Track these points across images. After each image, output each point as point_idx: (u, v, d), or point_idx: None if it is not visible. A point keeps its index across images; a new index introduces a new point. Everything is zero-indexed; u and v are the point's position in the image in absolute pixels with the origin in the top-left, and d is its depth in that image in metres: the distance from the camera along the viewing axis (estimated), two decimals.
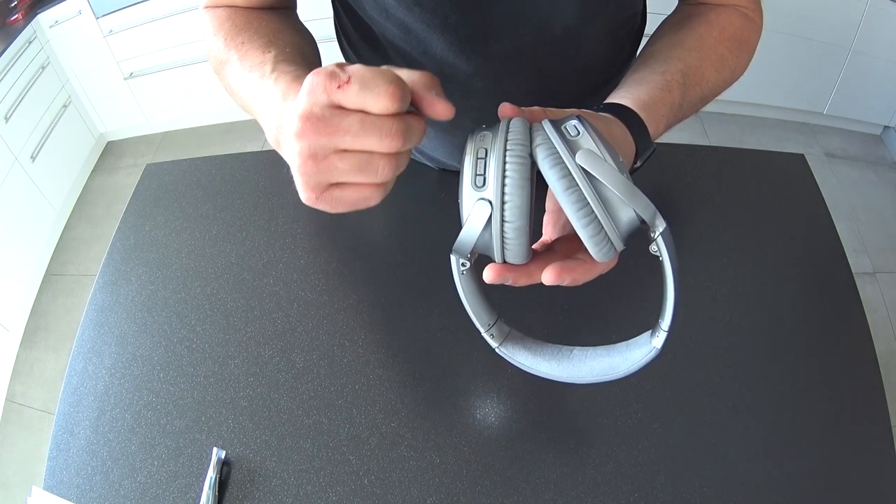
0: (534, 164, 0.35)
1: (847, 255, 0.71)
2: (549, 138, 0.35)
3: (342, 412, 0.61)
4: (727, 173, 0.80)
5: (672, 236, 0.36)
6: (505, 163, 0.35)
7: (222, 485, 0.56)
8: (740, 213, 0.76)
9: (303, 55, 0.50)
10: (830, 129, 2.26)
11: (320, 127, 0.34)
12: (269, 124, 0.42)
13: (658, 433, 0.58)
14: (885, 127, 2.22)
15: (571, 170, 0.34)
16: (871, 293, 1.79)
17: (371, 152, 0.35)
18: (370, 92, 0.33)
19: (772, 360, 0.63)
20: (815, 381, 0.61)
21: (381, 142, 0.35)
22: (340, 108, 0.34)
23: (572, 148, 0.35)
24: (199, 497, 0.55)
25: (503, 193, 0.35)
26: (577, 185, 0.34)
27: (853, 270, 0.70)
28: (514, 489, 0.56)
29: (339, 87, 0.34)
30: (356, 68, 0.34)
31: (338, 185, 0.37)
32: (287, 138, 0.36)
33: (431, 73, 0.37)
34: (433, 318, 0.67)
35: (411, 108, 0.36)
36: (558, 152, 0.35)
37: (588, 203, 0.34)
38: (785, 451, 0.57)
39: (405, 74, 0.36)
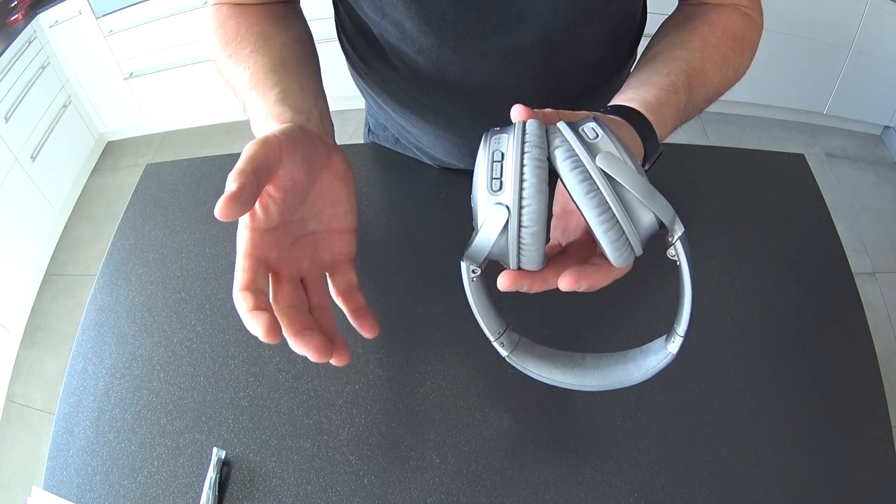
0: (550, 165, 0.34)
1: (847, 255, 0.71)
2: (568, 140, 0.34)
3: (342, 412, 0.61)
4: (727, 173, 0.80)
5: (688, 240, 0.35)
6: (523, 165, 0.33)
7: (222, 485, 0.56)
8: (740, 213, 0.76)
9: (282, 65, 0.50)
10: (830, 129, 2.26)
11: None
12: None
13: (658, 433, 0.58)
14: (885, 127, 2.22)
15: (592, 173, 0.33)
16: (871, 293, 1.79)
17: None
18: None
19: (772, 360, 0.63)
20: (815, 380, 0.61)
21: None
22: None
23: (592, 151, 0.34)
24: (199, 497, 0.55)
25: (521, 198, 0.33)
26: (599, 188, 0.33)
27: (853, 270, 0.70)
28: (514, 489, 0.56)
29: None
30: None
31: None
32: None
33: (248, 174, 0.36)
34: (433, 317, 0.67)
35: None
36: (578, 155, 0.34)
37: (609, 207, 0.33)
38: (785, 451, 0.57)
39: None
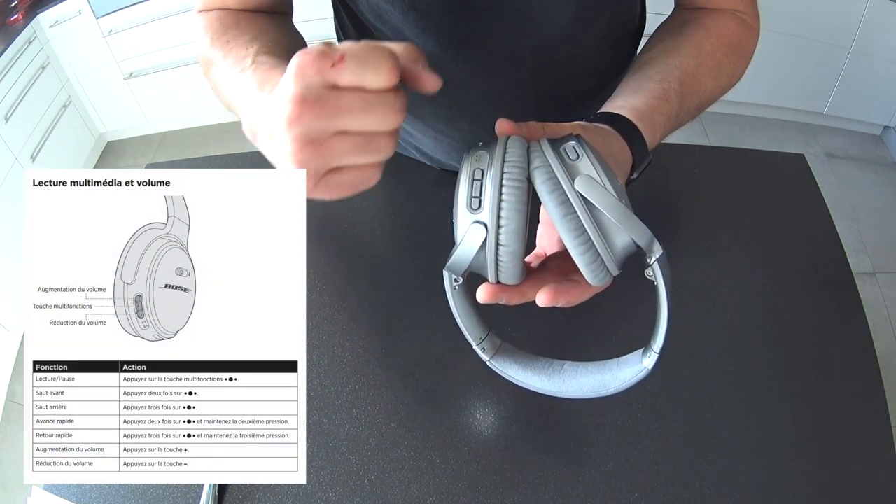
0: (530, 184, 0.35)
1: (847, 255, 0.71)
2: (548, 161, 0.35)
3: (342, 412, 0.61)
4: (727, 173, 0.80)
5: (668, 262, 0.36)
6: (501, 186, 0.34)
7: (222, 485, 0.56)
8: (740, 213, 0.76)
9: (287, 51, 0.46)
10: (830, 129, 2.26)
11: (318, 109, 0.32)
12: (247, 116, 0.39)
13: (658, 433, 0.58)
14: (885, 127, 2.22)
15: (570, 196, 0.34)
16: (871, 293, 1.79)
17: (373, 132, 0.34)
18: (368, 68, 0.32)
19: (772, 361, 0.63)
20: (815, 381, 0.61)
21: (385, 119, 0.33)
22: (335, 87, 0.33)
23: (571, 172, 0.34)
24: (199, 497, 0.55)
25: (499, 217, 0.34)
26: (575, 211, 0.34)
27: (853, 270, 0.70)
28: (514, 489, 0.56)
29: (332, 65, 0.32)
30: (347, 45, 0.33)
31: (337, 168, 0.35)
32: (277, 128, 0.34)
33: (414, 45, 0.35)
34: (433, 317, 0.67)
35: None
36: (556, 177, 0.34)
37: (585, 230, 0.34)
38: (785, 452, 0.57)
39: (390, 47, 0.34)
